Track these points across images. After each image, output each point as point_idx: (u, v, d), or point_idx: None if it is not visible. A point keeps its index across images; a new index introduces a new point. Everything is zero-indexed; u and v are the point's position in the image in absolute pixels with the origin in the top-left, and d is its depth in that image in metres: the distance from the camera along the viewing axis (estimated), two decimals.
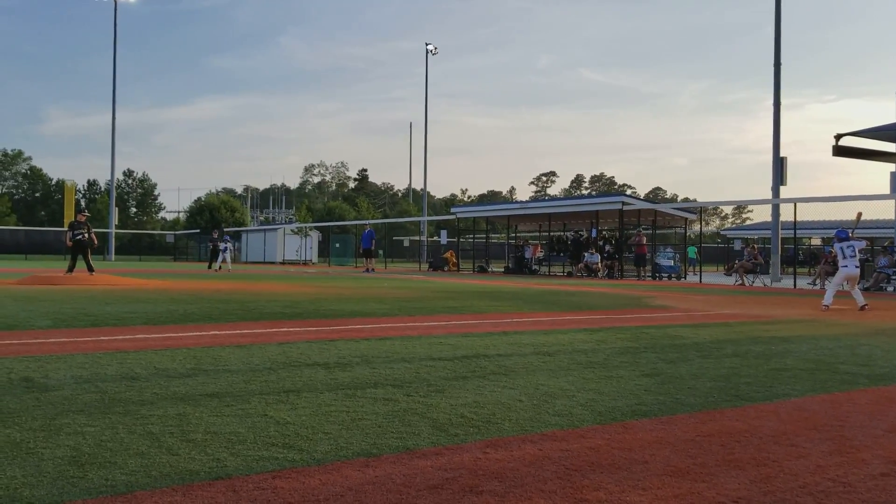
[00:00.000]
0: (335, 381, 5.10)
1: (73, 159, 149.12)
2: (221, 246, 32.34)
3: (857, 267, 13.16)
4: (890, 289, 20.79)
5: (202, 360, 5.93)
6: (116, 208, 61.90)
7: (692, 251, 35.52)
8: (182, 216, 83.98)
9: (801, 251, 38.12)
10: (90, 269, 19.22)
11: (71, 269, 19.25)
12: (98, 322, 8.76)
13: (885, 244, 24.70)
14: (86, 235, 19.50)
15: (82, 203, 76.19)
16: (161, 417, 3.93)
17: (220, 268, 31.35)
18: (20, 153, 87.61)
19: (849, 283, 13.21)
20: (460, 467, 3.16)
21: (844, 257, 13.00)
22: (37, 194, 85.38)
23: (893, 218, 25.73)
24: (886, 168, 23.90)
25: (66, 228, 20.07)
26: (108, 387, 4.72)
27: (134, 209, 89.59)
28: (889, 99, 34.49)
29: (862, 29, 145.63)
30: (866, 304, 12.71)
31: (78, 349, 6.44)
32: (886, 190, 23.25)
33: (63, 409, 4.06)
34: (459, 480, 2.99)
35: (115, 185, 63.87)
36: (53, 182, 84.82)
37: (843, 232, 13.41)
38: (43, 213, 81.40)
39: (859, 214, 14.85)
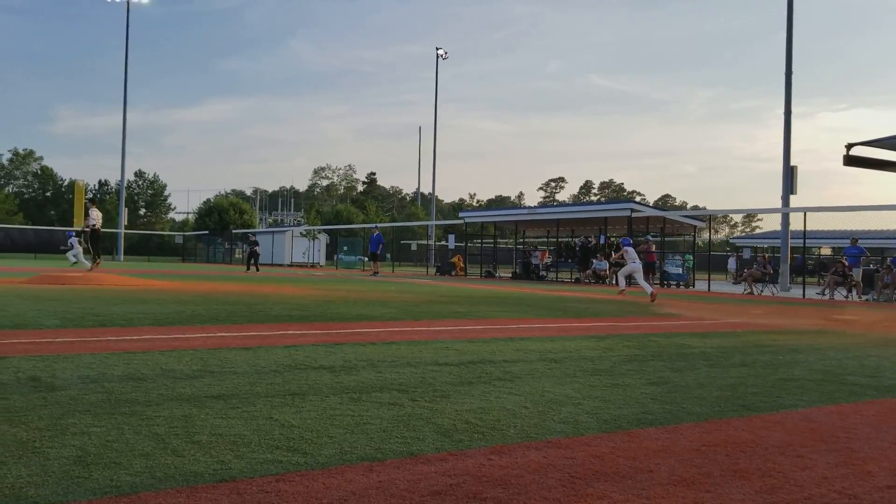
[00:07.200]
0: (341, 384, 5.10)
1: (83, 159, 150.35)
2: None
3: None
4: None
5: (208, 361, 5.94)
6: (126, 209, 62.20)
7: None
8: (191, 217, 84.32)
9: (811, 261, 37.90)
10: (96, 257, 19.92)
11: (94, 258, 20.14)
12: (105, 322, 8.79)
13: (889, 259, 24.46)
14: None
15: None
16: (167, 419, 3.93)
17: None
18: (31, 153, 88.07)
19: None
20: (464, 473, 3.16)
21: None
22: (47, 193, 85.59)
23: None
24: None
25: (84, 222, 20.97)
26: (114, 387, 4.73)
27: (144, 210, 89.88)
28: None
29: (874, 38, 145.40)
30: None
31: (85, 349, 6.47)
32: None
33: (69, 409, 4.08)
34: (463, 487, 2.98)
35: (125, 185, 64.15)
36: (65, 182, 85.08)
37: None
38: (53, 212, 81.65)
39: None
